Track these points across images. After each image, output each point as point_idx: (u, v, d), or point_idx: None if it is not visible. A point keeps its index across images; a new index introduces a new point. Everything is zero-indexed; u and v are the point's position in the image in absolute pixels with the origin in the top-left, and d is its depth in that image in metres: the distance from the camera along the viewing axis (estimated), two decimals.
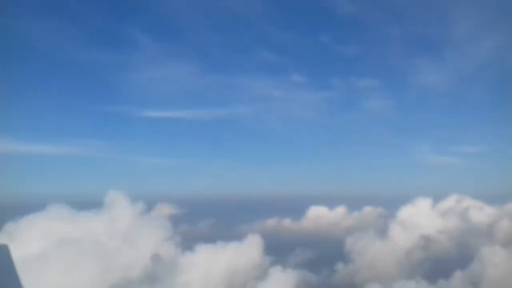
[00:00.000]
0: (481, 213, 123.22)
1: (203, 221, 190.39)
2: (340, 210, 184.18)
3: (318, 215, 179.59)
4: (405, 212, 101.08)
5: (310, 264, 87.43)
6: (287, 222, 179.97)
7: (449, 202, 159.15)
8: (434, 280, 64.50)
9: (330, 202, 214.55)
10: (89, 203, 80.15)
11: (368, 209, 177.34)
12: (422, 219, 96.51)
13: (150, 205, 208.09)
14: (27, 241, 51.03)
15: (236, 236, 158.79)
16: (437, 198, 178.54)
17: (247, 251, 59.92)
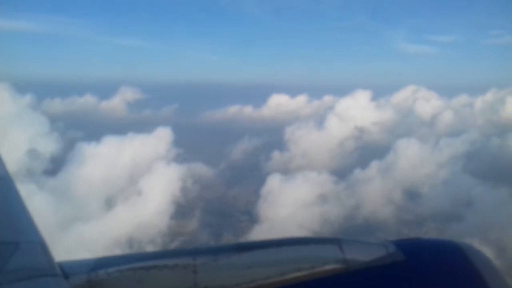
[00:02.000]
0: (426, 105, 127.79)
1: (166, 107, 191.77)
2: (301, 99, 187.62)
3: (279, 103, 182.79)
4: (344, 104, 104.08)
5: (244, 156, 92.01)
6: (248, 110, 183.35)
7: (403, 93, 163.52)
8: (351, 170, 69.65)
9: (296, 90, 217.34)
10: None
11: (327, 98, 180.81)
12: (359, 111, 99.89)
13: (114, 89, 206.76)
14: None
15: (197, 122, 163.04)
16: (398, 88, 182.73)
17: (153, 144, 62.33)
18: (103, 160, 51.89)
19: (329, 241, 2.66)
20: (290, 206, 49.19)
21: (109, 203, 44.32)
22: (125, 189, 47.43)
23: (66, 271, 2.39)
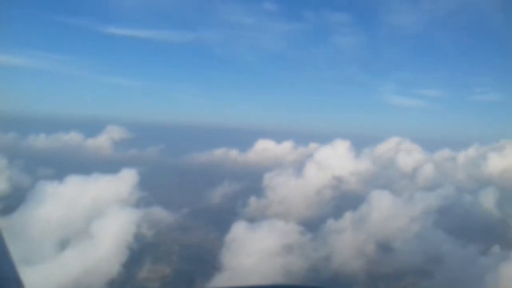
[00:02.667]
0: (408, 158, 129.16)
1: (152, 147, 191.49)
2: (287, 145, 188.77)
3: (265, 148, 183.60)
4: (323, 153, 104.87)
5: (225, 198, 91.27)
6: (234, 153, 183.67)
7: (387, 144, 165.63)
8: (325, 220, 69.05)
9: (282, 136, 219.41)
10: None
11: (313, 145, 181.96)
12: (338, 160, 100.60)
13: (101, 127, 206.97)
14: None
15: (182, 163, 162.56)
16: (383, 139, 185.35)
17: (117, 186, 61.61)
18: (62, 200, 50.83)
19: None
20: (254, 255, 48.11)
21: (61, 246, 42.99)
22: (79, 232, 46.09)
23: None
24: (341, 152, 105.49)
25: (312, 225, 71.18)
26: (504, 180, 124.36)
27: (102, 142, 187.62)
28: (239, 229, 52.71)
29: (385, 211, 68.39)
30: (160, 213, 61.80)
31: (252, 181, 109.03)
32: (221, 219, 66.45)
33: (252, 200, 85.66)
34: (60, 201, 50.22)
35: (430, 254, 61.17)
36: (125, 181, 64.92)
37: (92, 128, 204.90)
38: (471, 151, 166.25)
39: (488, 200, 79.74)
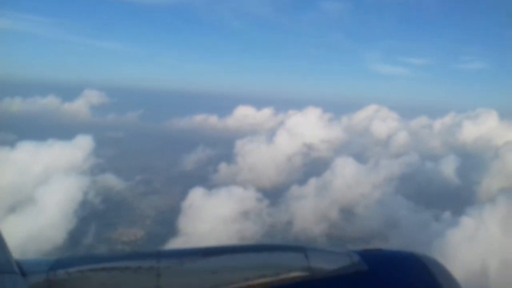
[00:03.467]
0: (382, 125, 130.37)
1: (131, 112, 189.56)
2: (267, 112, 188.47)
3: (245, 115, 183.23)
4: (295, 120, 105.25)
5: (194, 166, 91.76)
6: (214, 120, 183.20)
7: (365, 112, 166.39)
8: (289, 187, 70.21)
9: (263, 102, 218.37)
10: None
11: (292, 112, 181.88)
12: (309, 127, 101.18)
13: (81, 91, 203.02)
14: None
15: (163, 129, 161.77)
16: (364, 106, 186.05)
17: (71, 152, 61.27)
18: (12, 166, 50.48)
19: (295, 249, 2.67)
20: (210, 221, 48.93)
21: (6, 212, 43.01)
22: (26, 199, 46.10)
23: (24, 269, 2.27)
24: (312, 120, 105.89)
25: (278, 191, 72.45)
26: (476, 148, 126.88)
27: (80, 106, 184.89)
28: (196, 195, 53.38)
29: (348, 178, 69.69)
30: (111, 180, 61.84)
31: (227, 148, 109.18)
32: (187, 186, 66.96)
33: (222, 166, 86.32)
34: (10, 167, 49.89)
35: (388, 219, 63.06)
36: (80, 147, 64.42)
37: (71, 92, 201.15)
38: (447, 119, 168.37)
39: (449, 167, 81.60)
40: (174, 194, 64.23)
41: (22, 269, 2.33)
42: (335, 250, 3.02)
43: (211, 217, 49.31)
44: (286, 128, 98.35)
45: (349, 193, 67.99)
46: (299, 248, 2.73)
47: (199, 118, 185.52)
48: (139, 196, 62.55)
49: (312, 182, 69.89)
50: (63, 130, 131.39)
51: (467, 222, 46.65)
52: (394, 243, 55.77)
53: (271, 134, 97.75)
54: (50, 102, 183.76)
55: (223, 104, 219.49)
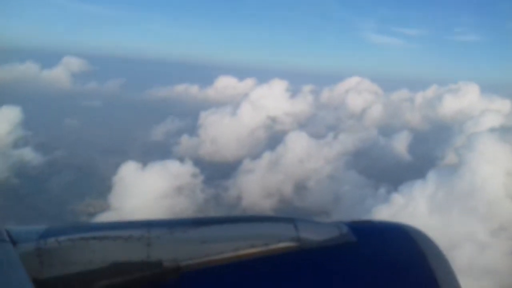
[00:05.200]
0: (357, 98, 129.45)
1: (112, 81, 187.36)
2: (249, 82, 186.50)
3: (226, 85, 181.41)
4: (259, 92, 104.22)
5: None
6: (194, 90, 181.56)
7: (346, 84, 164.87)
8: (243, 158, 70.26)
9: (247, 73, 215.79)
10: None
11: (275, 83, 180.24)
12: (274, 100, 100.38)
13: (59, 58, 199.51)
14: None
15: (142, 98, 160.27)
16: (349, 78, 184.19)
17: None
18: None
19: (284, 220, 2.64)
20: (142, 196, 49.18)
21: None
22: None
23: (14, 237, 2.21)
24: (277, 92, 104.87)
25: (235, 164, 72.65)
26: (455, 122, 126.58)
27: (59, 74, 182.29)
28: (128, 169, 53.40)
29: (302, 152, 69.73)
30: (29, 154, 61.49)
31: (197, 119, 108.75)
32: (146, 158, 66.87)
33: (184, 138, 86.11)
34: None
35: (336, 193, 63.59)
36: (4, 119, 63.59)
37: (50, 58, 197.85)
38: (429, 92, 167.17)
39: (402, 143, 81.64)
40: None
41: (12, 238, 2.25)
42: (324, 221, 2.93)
43: (142, 192, 49.49)
44: (250, 101, 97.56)
45: (302, 168, 68.21)
46: (288, 219, 2.70)
47: (180, 88, 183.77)
48: (58, 171, 61.98)
49: (266, 156, 69.95)
50: (39, 98, 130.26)
51: (397, 199, 47.04)
52: (335, 218, 56.44)
53: (235, 106, 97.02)
54: (28, 68, 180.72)
55: (208, 74, 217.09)
